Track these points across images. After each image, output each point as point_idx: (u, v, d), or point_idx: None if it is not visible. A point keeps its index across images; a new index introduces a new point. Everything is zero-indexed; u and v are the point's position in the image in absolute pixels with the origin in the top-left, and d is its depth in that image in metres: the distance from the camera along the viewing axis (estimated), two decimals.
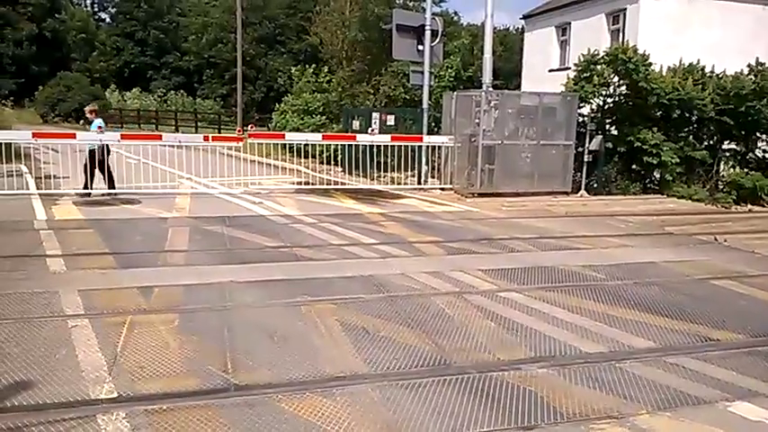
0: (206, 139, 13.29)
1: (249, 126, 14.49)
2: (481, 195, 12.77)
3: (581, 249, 8.15)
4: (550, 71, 22.15)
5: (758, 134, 14.60)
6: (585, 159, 13.64)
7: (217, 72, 50.09)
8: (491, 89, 13.70)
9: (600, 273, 6.82)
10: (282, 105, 21.64)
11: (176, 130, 33.25)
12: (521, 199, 12.65)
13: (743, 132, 14.46)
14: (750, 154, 14.79)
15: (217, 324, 4.84)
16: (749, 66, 14.67)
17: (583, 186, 13.63)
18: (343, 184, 13.63)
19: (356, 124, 16.37)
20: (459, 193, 13.20)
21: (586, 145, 13.62)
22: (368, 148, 13.62)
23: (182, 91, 48.11)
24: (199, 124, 36.40)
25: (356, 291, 5.86)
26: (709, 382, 3.99)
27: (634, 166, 14.00)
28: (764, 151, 14.73)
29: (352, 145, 13.69)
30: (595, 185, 13.85)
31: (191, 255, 7.16)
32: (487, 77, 13.84)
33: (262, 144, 13.52)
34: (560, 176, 13.54)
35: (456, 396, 3.76)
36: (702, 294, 6.09)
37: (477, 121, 13.09)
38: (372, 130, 14.09)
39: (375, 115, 15.74)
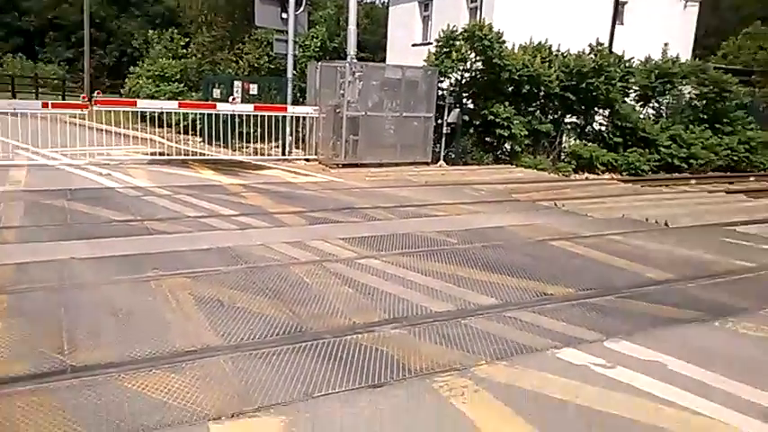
0: (45, 105, 12.08)
1: (95, 92, 13.36)
2: (346, 166, 12.87)
3: (438, 216, 8.50)
4: (414, 45, 22.62)
5: (596, 109, 16.00)
6: (444, 131, 14.19)
7: (61, 34, 45.54)
8: (355, 61, 13.74)
9: (453, 238, 7.16)
10: (137, 71, 20.23)
11: (14, 97, 29.88)
12: (384, 169, 12.93)
13: (583, 107, 15.77)
14: (588, 127, 16.18)
15: (53, 304, 4.47)
16: (590, 45, 15.95)
17: (442, 157, 14.19)
18: (202, 154, 13.08)
19: (217, 93, 15.72)
20: (324, 163, 13.20)
21: (445, 117, 14.17)
22: (229, 117, 13.15)
23: (20, 54, 43.21)
24: (40, 90, 33.02)
25: (213, 263, 5.68)
26: (542, 332, 4.37)
27: (488, 138, 14.79)
28: (600, 125, 16.19)
29: (211, 114, 13.14)
30: (453, 156, 14.48)
31: (25, 231, 6.53)
32: (352, 49, 13.86)
33: (111, 112, 12.55)
34: (421, 147, 14.00)
35: (310, 362, 3.79)
36: (541, 254, 6.62)
37: (341, 92, 13.11)
38: (234, 99, 13.61)
39: (237, 84, 15.20)
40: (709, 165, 16.46)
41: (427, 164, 13.91)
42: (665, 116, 16.81)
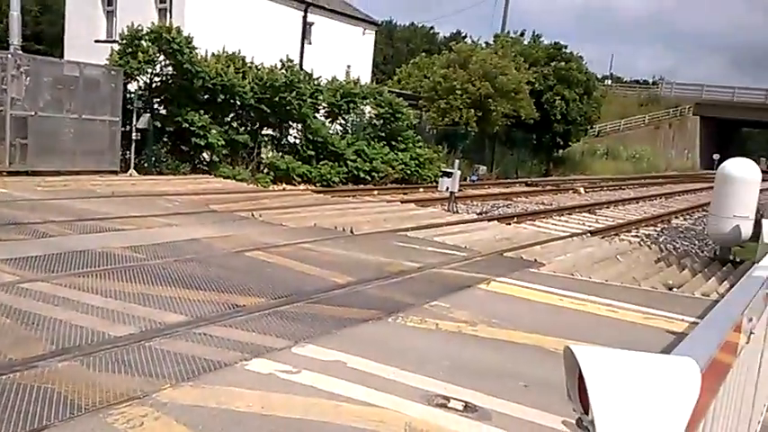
0: None
1: None
2: (12, 174, 11.17)
3: (125, 230, 7.84)
4: (97, 42, 20.66)
5: (290, 123, 16.72)
6: (134, 138, 13.23)
7: None
8: (20, 52, 11.96)
9: (141, 253, 6.67)
10: None
11: None
12: (62, 178, 11.53)
13: (278, 120, 16.33)
14: (284, 140, 16.83)
15: None
16: (281, 61, 16.59)
17: (132, 165, 13.21)
18: None
19: None
20: None
21: (134, 123, 13.21)
22: None
23: None
24: None
25: None
26: (232, 345, 4.31)
27: (184, 147, 14.29)
28: (295, 138, 16.97)
29: None
30: (146, 165, 13.60)
31: None
32: (15, 38, 12.06)
33: None
34: (107, 154, 12.86)
35: None
36: (235, 265, 6.59)
37: (4, 87, 11.33)
38: None
39: None
40: (388, 177, 18.55)
41: (115, 173, 12.81)
42: (350, 132, 18.41)
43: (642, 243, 11.90)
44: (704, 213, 15.17)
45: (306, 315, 5.17)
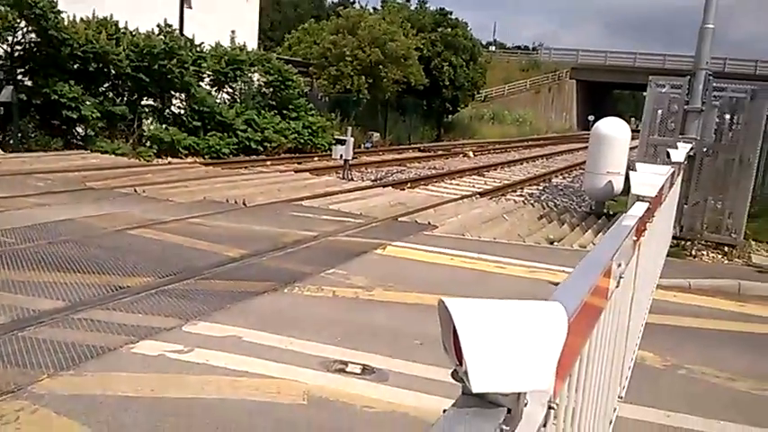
0: None
1: None
2: None
3: None
4: None
5: (172, 92, 15.81)
6: None
7: None
8: None
9: (10, 237, 6.13)
10: None
11: None
12: None
13: (159, 90, 15.40)
14: (167, 110, 15.91)
15: None
16: (159, 26, 15.58)
17: None
18: None
19: None
20: None
21: None
22: None
23: None
24: None
25: None
26: (116, 329, 4.08)
27: (55, 121, 13.16)
28: (179, 108, 16.10)
29: None
30: (11, 142, 12.42)
31: None
32: None
33: None
34: None
35: None
36: (118, 245, 6.21)
37: None
38: None
39: None
40: (281, 147, 18.13)
41: None
42: (239, 101, 17.76)
43: (526, 202, 12.53)
44: (581, 171, 16.18)
45: (197, 292, 5.00)
